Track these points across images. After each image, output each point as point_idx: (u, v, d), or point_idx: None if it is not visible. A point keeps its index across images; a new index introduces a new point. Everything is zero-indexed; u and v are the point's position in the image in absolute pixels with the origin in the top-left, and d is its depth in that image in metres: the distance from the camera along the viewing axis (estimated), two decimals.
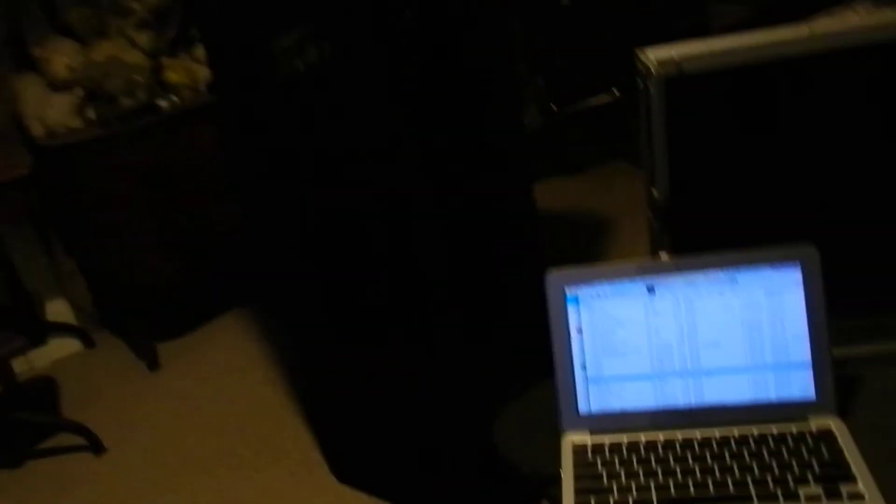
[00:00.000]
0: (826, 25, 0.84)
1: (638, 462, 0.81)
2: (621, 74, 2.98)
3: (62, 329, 2.73)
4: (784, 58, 0.84)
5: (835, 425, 0.80)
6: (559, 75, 3.04)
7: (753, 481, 0.76)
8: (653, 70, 0.81)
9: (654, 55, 0.83)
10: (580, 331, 0.85)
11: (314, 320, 1.67)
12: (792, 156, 0.88)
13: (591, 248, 2.77)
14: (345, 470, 1.90)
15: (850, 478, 0.75)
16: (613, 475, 0.80)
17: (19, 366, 2.63)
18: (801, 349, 0.82)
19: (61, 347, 2.73)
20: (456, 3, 1.28)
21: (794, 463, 0.77)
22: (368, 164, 1.38)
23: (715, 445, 0.81)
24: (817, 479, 0.75)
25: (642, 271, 0.84)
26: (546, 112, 2.90)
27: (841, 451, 0.77)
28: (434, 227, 1.39)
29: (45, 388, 2.58)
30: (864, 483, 0.74)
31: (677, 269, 0.84)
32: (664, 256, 0.91)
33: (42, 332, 2.00)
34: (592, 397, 0.85)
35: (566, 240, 2.89)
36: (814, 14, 1.65)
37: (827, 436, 0.79)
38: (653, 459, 0.81)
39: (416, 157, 1.31)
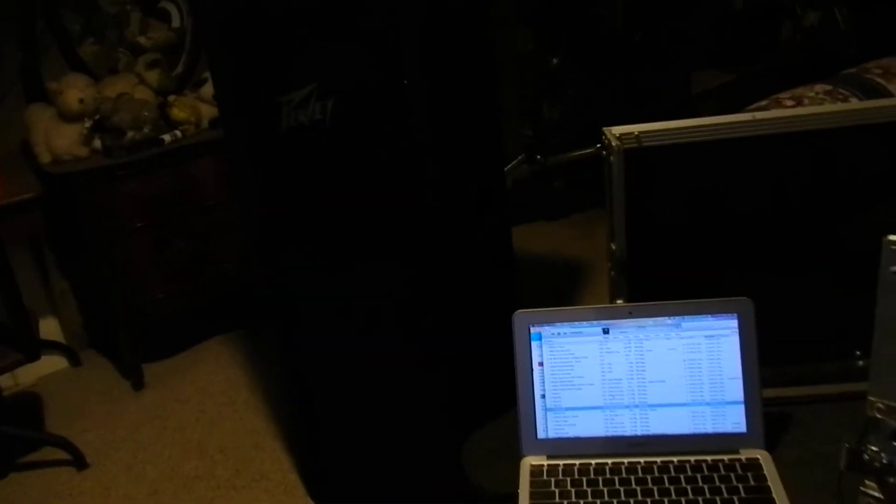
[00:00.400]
0: (766, 114, 0.98)
1: (587, 484, 0.90)
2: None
3: (49, 346, 2.79)
4: (729, 138, 0.98)
5: (762, 457, 0.90)
6: (546, 128, 3.20)
7: (687, 503, 0.87)
8: (613, 144, 0.94)
9: (617, 131, 0.97)
10: (541, 364, 0.96)
11: (311, 316, 1.73)
12: (733, 221, 1.01)
13: (569, 289, 2.90)
14: (322, 492, 1.97)
15: (771, 503, 0.86)
16: (565, 494, 0.89)
17: (4, 381, 2.67)
18: (735, 388, 0.93)
19: (47, 364, 2.77)
20: (452, 73, 1.42)
21: (724, 488, 0.87)
22: (367, 201, 1.50)
23: (656, 471, 0.91)
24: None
25: (599, 315, 0.95)
26: (532, 162, 3.05)
27: (765, 480, 0.88)
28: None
29: (30, 404, 2.63)
30: None
31: (630, 314, 0.95)
32: (620, 302, 1.03)
33: (36, 349, 2.07)
34: (550, 424, 0.95)
35: (546, 281, 3.01)
36: (777, 91, 1.81)
37: (754, 466, 0.90)
38: (601, 482, 0.90)
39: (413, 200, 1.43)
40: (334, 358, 1.73)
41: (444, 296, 1.58)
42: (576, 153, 3.01)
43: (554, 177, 3.30)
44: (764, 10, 3.45)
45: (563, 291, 2.88)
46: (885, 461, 0.61)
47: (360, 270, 1.59)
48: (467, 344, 1.62)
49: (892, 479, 0.62)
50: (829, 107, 0.95)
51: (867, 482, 0.65)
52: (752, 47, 3.45)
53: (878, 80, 1.65)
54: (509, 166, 2.99)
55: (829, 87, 1.68)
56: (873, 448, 0.62)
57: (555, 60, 3.06)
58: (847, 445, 0.64)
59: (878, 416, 0.61)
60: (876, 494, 0.64)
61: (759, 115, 0.97)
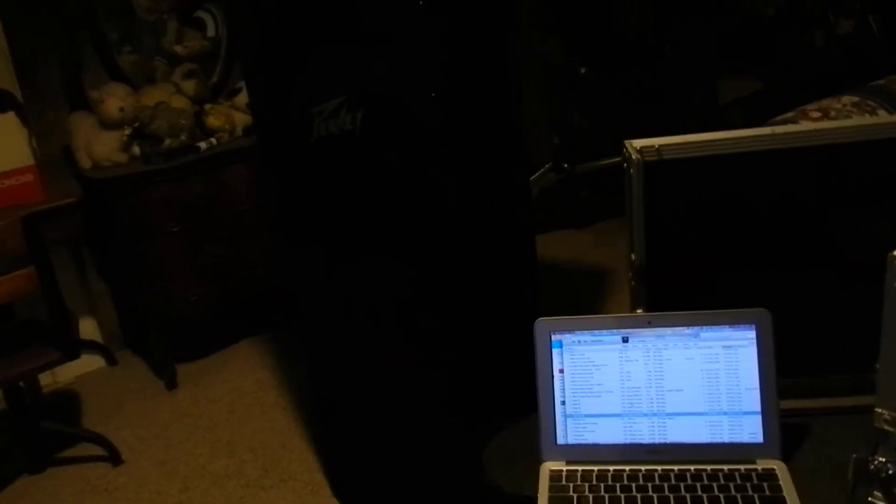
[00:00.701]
0: (785, 128, 0.99)
1: (605, 490, 0.92)
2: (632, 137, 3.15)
3: (87, 346, 2.88)
4: (749, 152, 0.99)
5: (778, 467, 0.91)
6: (574, 136, 3.21)
7: None
8: (633, 156, 0.97)
9: (638, 144, 0.99)
10: (562, 371, 0.98)
11: (332, 320, 1.77)
12: (753, 232, 1.02)
13: (594, 295, 2.91)
14: (347, 492, 2.01)
15: None
16: (583, 500, 0.91)
17: (44, 378, 2.76)
18: (753, 399, 0.94)
19: (85, 363, 2.86)
20: (475, 84, 1.46)
21: (740, 498, 0.88)
22: (391, 208, 1.54)
23: (673, 479, 0.92)
24: None
25: (619, 323, 0.97)
26: (559, 170, 3.07)
27: (780, 491, 0.89)
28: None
29: (68, 401, 2.72)
30: None
31: (649, 323, 0.97)
32: (639, 312, 1.05)
33: (76, 348, 2.14)
34: (570, 431, 0.97)
35: (571, 287, 3.03)
36: (807, 101, 1.82)
37: (770, 476, 0.91)
38: (618, 488, 0.92)
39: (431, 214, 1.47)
40: (353, 361, 1.77)
41: (466, 302, 1.61)
42: (603, 162, 3.02)
43: (580, 185, 3.32)
44: (796, 18, 3.42)
45: (588, 298, 2.89)
46: (891, 472, 0.63)
47: (381, 277, 1.63)
48: (488, 349, 1.64)
49: None
50: (847, 121, 0.96)
51: (875, 492, 0.66)
52: (784, 55, 3.42)
53: None
54: (536, 175, 3.01)
55: (856, 99, 1.67)
56: (880, 459, 0.63)
57: (583, 70, 3.08)
58: (855, 456, 0.65)
59: (886, 427, 0.63)
60: None
61: (779, 129, 0.99)
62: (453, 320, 1.59)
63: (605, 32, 3.23)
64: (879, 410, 0.63)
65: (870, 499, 0.67)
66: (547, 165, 3.11)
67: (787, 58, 3.37)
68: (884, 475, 0.63)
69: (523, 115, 1.69)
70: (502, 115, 1.62)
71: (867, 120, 1.00)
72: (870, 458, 0.62)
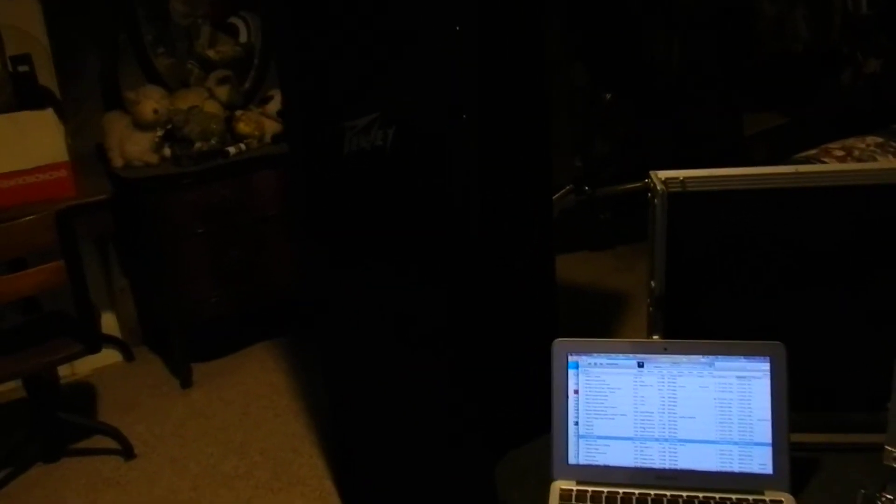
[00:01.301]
0: (808, 168, 1.02)
1: None
2: (656, 165, 3.17)
3: (106, 340, 2.92)
4: (772, 188, 1.02)
5: (786, 500, 0.92)
6: (596, 160, 3.24)
7: None
8: (658, 187, 0.99)
9: (663, 175, 1.02)
10: (577, 392, 1.00)
11: (350, 330, 1.79)
12: (772, 266, 1.04)
13: (610, 318, 2.92)
14: (356, 501, 2.02)
15: None
16: None
17: (62, 370, 2.81)
18: (764, 430, 0.96)
19: (103, 357, 2.90)
20: (505, 107, 1.49)
21: None
22: (415, 223, 1.57)
23: None
24: None
25: (635, 348, 0.99)
26: (579, 193, 3.09)
27: None
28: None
29: (84, 393, 2.77)
30: None
31: (665, 350, 0.99)
32: (656, 338, 1.07)
33: (99, 342, 2.19)
34: (581, 451, 0.99)
35: (587, 309, 3.04)
36: (830, 137, 1.83)
37: None
38: None
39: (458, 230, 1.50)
40: (371, 373, 1.79)
41: (486, 318, 1.64)
42: (623, 186, 3.04)
43: (600, 208, 3.34)
44: (824, 56, 3.44)
45: (604, 320, 2.90)
46: None
47: (401, 290, 1.66)
48: (506, 366, 1.66)
49: None
50: (870, 164, 0.98)
51: None
52: (811, 92, 3.44)
53: None
54: (556, 196, 3.03)
55: (880, 140, 1.69)
56: (888, 496, 0.65)
57: (608, 96, 3.11)
58: (863, 492, 0.67)
59: (895, 465, 0.64)
60: None
61: (803, 168, 1.01)
62: (473, 336, 1.62)
63: (631, 60, 3.27)
64: (889, 448, 0.65)
65: None
66: (568, 187, 3.13)
67: (814, 94, 3.38)
68: None
69: (549, 138, 1.72)
70: (530, 138, 1.65)
71: (890, 163, 1.03)
72: (878, 495, 0.64)
